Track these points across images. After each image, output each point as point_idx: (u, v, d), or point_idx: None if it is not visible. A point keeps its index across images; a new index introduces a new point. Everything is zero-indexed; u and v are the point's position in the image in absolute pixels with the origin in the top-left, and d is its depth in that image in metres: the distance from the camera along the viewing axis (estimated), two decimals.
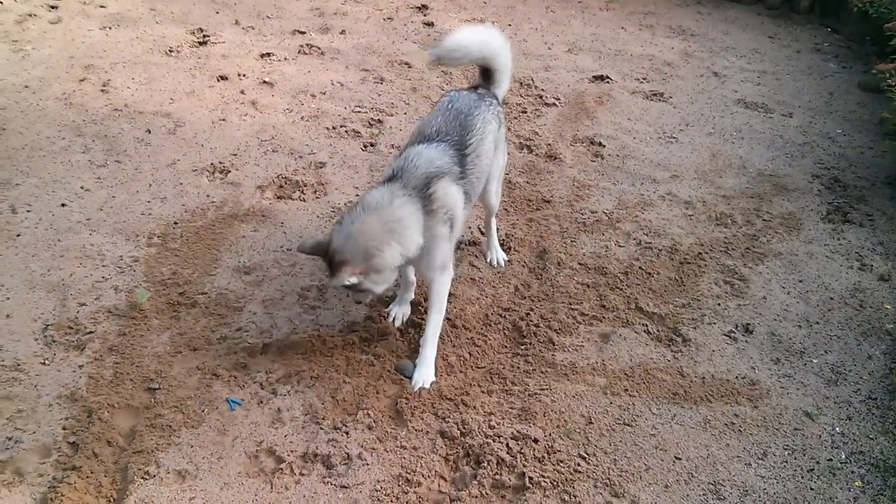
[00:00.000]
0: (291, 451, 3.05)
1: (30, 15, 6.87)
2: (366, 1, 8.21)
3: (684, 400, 3.44)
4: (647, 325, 3.87)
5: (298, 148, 5.24)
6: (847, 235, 4.71)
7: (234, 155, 5.10)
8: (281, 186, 4.80)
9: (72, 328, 3.59)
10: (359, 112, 5.79)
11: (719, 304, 4.06)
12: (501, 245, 4.36)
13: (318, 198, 4.72)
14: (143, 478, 2.90)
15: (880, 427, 3.36)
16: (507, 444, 3.10)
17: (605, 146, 5.60)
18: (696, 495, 2.99)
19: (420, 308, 3.83)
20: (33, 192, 4.51)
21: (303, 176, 4.91)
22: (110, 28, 6.83)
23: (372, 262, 3.17)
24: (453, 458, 3.07)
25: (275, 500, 2.87)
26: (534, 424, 3.22)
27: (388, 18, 7.76)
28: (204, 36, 6.84)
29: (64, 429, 3.09)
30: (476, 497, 2.91)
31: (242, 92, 5.95)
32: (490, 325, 3.82)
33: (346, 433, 3.13)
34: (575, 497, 2.92)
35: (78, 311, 3.69)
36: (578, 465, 3.06)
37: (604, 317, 3.92)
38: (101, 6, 7.28)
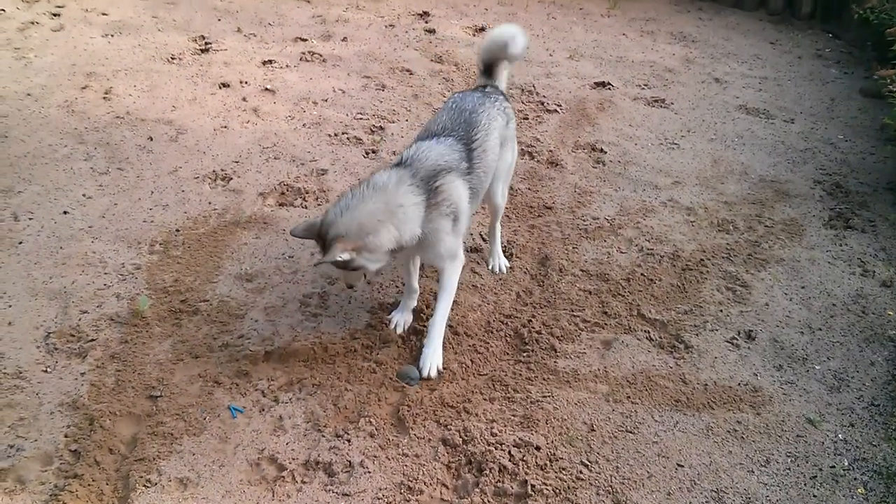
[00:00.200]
0: (293, 459, 3.04)
1: (32, 23, 6.89)
2: (367, 8, 8.23)
3: (687, 407, 3.43)
4: (649, 332, 3.86)
5: (300, 155, 5.24)
6: (849, 241, 4.70)
7: (236, 162, 5.10)
8: (283, 193, 4.81)
9: (74, 336, 3.59)
10: (360, 119, 5.80)
11: (721, 311, 4.05)
12: (503, 252, 4.36)
13: (319, 205, 4.72)
14: (144, 486, 2.90)
15: (883, 434, 3.35)
16: (510, 452, 3.09)
17: (606, 152, 5.61)
18: (699, 503, 2.98)
19: (422, 316, 3.82)
20: (35, 199, 4.51)
21: (304, 183, 4.91)
22: (112, 36, 6.84)
23: (366, 239, 3.21)
24: (455, 465, 3.06)
25: None
26: (536, 432, 3.21)
27: (390, 25, 7.78)
28: (206, 43, 6.86)
29: (66, 436, 3.08)
30: None
31: (244, 99, 5.96)
32: (492, 332, 3.82)
33: (348, 441, 3.13)
34: None
35: (80, 319, 3.69)
36: (581, 472, 3.05)
37: (606, 323, 3.91)
38: (104, 14, 7.30)
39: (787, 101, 6.75)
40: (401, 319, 3.80)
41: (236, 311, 3.83)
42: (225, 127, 5.52)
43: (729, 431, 3.31)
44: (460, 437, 3.16)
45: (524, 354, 3.68)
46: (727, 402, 3.47)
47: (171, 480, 2.93)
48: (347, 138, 5.49)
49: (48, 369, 3.40)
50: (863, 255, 4.58)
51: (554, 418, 3.29)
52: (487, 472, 3.00)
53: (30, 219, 4.35)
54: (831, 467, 3.18)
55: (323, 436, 3.15)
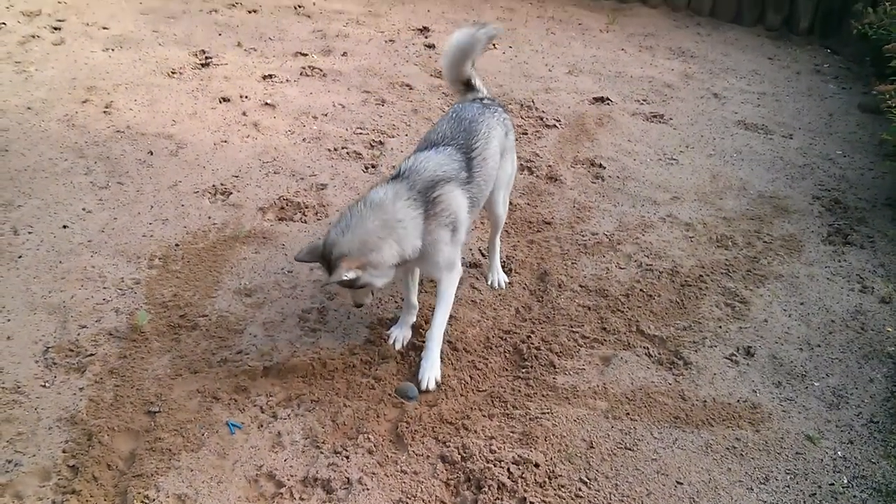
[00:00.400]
0: (291, 476, 3.03)
1: (33, 36, 6.91)
2: (367, 23, 8.27)
3: (686, 424, 3.43)
4: (648, 348, 3.86)
5: (300, 170, 5.25)
6: (848, 257, 4.71)
7: (236, 176, 5.11)
8: (282, 208, 4.82)
9: (72, 350, 3.58)
10: (360, 134, 5.82)
11: (720, 327, 4.05)
12: (502, 267, 4.36)
13: (319, 220, 4.73)
14: (142, 502, 2.88)
15: (882, 451, 3.35)
16: (508, 469, 3.08)
17: (605, 168, 5.62)
18: None
19: (421, 332, 3.82)
20: (35, 213, 4.52)
21: (304, 198, 4.92)
22: (113, 50, 6.87)
23: (370, 256, 3.24)
24: (454, 482, 3.06)
25: None
26: (535, 449, 3.21)
27: (390, 40, 7.81)
28: (206, 58, 6.88)
29: (64, 452, 3.07)
30: None
31: (244, 114, 5.97)
32: (491, 348, 3.81)
33: (347, 457, 3.12)
34: None
35: (79, 334, 3.69)
36: (580, 490, 3.04)
37: (605, 339, 3.91)
38: (104, 28, 7.33)
39: (786, 116, 6.78)
40: (400, 335, 3.80)
41: (235, 326, 3.82)
42: (225, 141, 5.54)
43: (728, 448, 3.31)
44: (459, 453, 3.15)
45: (523, 370, 3.67)
46: (726, 419, 3.46)
47: (169, 497, 2.92)
48: (347, 153, 5.51)
49: (47, 384, 3.39)
50: (861, 271, 4.58)
51: (553, 435, 3.29)
52: (486, 489, 2.99)
53: (29, 233, 4.35)
54: (830, 485, 3.17)
55: (321, 452, 3.14)
